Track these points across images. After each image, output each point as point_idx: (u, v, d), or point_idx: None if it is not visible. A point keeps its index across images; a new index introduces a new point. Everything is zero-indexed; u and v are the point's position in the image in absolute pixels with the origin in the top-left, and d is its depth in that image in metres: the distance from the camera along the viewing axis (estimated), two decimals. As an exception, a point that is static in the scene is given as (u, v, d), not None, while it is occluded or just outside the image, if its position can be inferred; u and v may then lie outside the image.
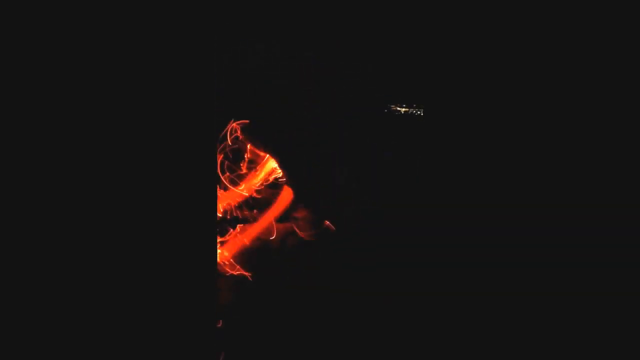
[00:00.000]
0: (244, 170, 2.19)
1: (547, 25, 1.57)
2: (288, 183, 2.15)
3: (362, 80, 1.90)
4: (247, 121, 2.20)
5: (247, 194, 2.17)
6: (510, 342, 1.67)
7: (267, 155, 2.18)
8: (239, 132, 2.17)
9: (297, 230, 2.13)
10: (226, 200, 2.16)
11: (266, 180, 2.18)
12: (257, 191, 2.18)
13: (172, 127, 1.60)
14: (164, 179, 1.59)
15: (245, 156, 2.19)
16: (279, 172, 2.17)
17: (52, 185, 1.48)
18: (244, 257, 2.14)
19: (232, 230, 2.15)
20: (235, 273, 2.12)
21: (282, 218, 2.17)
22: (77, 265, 1.50)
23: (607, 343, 1.59)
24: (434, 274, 1.79)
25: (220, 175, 2.16)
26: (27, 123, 1.45)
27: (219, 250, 2.10)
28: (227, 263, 2.12)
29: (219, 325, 1.99)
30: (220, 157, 2.16)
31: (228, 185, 2.16)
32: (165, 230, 1.58)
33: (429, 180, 1.80)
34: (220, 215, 2.15)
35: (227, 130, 2.17)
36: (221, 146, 2.16)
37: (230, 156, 2.19)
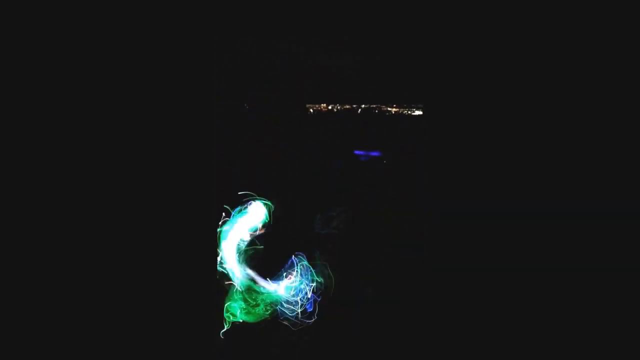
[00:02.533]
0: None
1: (548, 24, 1.56)
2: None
3: (361, 80, 1.91)
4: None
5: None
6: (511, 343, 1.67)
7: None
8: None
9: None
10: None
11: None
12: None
13: (171, 126, 1.60)
14: (163, 179, 1.59)
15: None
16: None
17: (54, 185, 1.50)
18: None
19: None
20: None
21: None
22: (80, 265, 1.52)
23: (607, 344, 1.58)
24: (436, 277, 1.78)
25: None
26: (26, 123, 1.47)
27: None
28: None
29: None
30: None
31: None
32: (164, 230, 1.59)
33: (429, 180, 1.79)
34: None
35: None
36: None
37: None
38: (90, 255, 1.52)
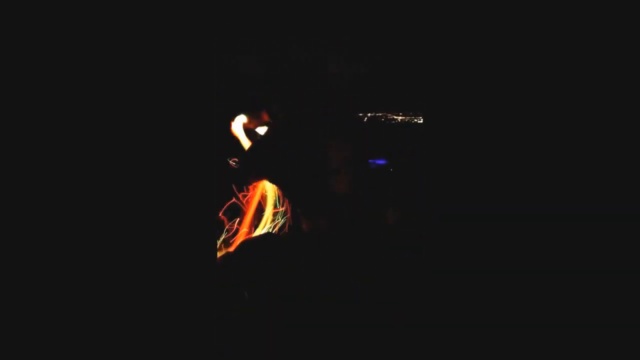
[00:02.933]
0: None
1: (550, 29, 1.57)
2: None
3: (358, 84, 1.91)
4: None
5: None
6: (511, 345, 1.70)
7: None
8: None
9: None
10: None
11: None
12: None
13: (171, 126, 1.60)
14: (163, 179, 1.59)
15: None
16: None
17: (53, 185, 1.49)
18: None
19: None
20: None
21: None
22: (79, 265, 1.52)
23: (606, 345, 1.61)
24: (435, 279, 1.80)
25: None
26: (25, 124, 1.46)
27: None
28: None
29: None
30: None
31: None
32: (163, 229, 1.59)
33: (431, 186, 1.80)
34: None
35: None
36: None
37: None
38: (89, 253, 1.53)
